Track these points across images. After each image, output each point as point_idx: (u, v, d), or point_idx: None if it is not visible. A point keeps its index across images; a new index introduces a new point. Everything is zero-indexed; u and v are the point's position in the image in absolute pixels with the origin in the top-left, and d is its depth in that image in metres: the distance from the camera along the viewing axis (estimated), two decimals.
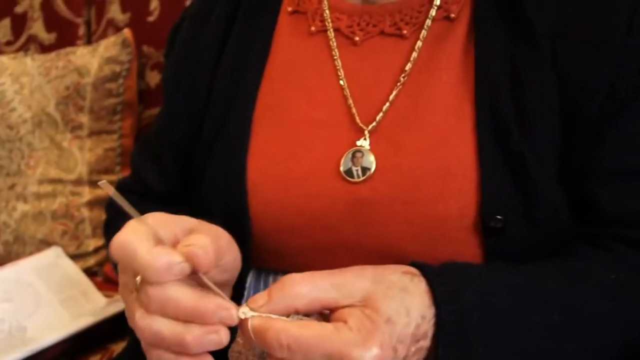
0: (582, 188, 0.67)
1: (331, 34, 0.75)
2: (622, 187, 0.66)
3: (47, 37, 1.54)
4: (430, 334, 0.53)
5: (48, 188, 1.33)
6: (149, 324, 0.51)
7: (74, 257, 1.26)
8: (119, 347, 1.04)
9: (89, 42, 1.53)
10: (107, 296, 1.17)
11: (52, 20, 1.54)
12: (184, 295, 0.50)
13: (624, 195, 0.66)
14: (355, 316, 0.50)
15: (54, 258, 1.20)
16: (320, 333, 0.49)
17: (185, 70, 0.81)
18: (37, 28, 1.55)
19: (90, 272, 1.25)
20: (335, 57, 0.73)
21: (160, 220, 0.54)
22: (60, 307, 1.11)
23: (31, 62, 1.41)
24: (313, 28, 0.76)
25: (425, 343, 0.53)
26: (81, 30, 1.53)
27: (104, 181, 0.52)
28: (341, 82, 0.72)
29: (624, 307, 0.61)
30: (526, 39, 0.67)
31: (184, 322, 0.50)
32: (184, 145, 0.80)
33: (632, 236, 0.65)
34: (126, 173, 1.37)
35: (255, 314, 0.50)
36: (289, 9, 0.78)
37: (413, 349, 0.52)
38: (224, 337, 0.50)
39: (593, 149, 0.66)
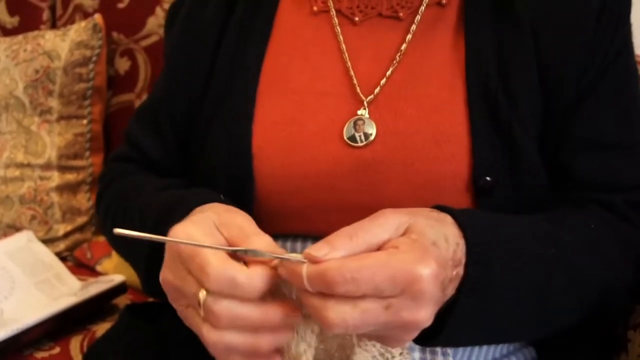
0: (559, 157, 0.74)
1: (333, 13, 0.79)
2: (592, 156, 0.74)
3: (10, 21, 1.51)
4: (463, 260, 0.57)
5: (15, 172, 1.31)
6: (220, 339, 0.54)
7: (43, 242, 1.24)
8: (100, 328, 1.04)
9: (53, 26, 1.51)
10: (80, 280, 1.17)
11: (15, 3, 1.51)
12: (252, 311, 0.53)
13: (593, 164, 0.74)
14: (405, 242, 0.52)
15: (25, 242, 1.18)
16: (379, 259, 0.50)
17: (188, 44, 0.84)
18: (0, 11, 1.52)
19: (60, 257, 1.24)
20: (337, 33, 0.78)
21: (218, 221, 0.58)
22: (36, 290, 1.10)
23: None
24: (315, 8, 0.80)
25: (461, 270, 0.57)
26: (45, 15, 1.51)
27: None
28: (344, 55, 0.77)
29: (602, 251, 0.69)
30: (511, 24, 0.74)
31: (254, 332, 0.53)
32: (184, 116, 0.82)
33: (602, 199, 0.74)
34: (96, 158, 1.36)
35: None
36: None
37: (453, 273, 0.56)
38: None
39: (567, 124, 0.74)
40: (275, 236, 0.74)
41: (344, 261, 0.50)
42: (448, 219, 0.59)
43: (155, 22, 1.38)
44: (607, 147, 0.75)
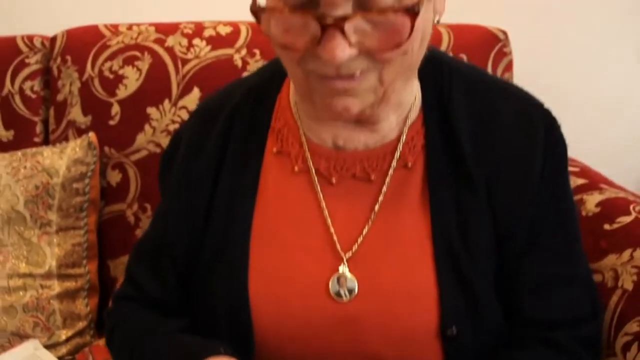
0: (510, 298, 0.84)
1: (313, 173, 0.87)
2: (538, 296, 0.84)
3: (5, 134, 1.63)
4: None
5: (18, 282, 1.42)
6: None
7: (46, 347, 1.34)
8: None
9: (46, 140, 1.64)
10: None
11: (10, 118, 1.63)
12: None
13: (539, 304, 0.84)
14: None
15: (32, 350, 1.29)
16: None
17: (184, 193, 0.91)
18: None
19: None
20: (317, 192, 0.86)
21: None
22: None
23: None
24: (296, 168, 0.87)
25: None
26: (38, 128, 1.64)
27: None
28: (324, 213, 0.85)
29: None
30: (468, 186, 0.84)
31: None
32: (183, 261, 0.90)
33: (547, 337, 0.84)
34: (91, 265, 1.48)
35: None
36: (274, 149, 0.89)
37: None
38: None
39: (516, 268, 0.84)
40: None
41: None
42: None
43: (144, 138, 1.52)
44: (551, 286, 0.84)
